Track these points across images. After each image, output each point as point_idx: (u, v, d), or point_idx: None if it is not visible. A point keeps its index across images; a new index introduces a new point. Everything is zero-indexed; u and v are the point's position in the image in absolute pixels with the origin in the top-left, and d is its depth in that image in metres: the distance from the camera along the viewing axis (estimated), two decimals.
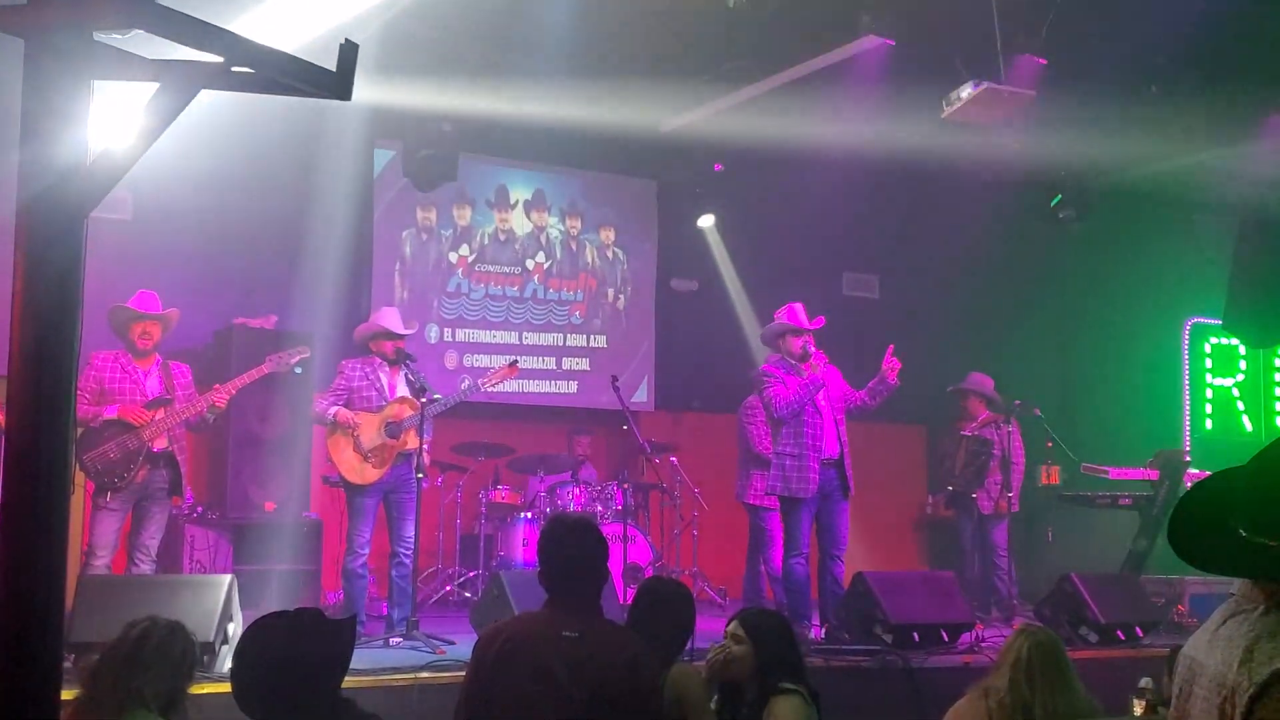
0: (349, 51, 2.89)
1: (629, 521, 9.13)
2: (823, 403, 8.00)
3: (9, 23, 2.79)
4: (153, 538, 7.20)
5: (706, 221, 11.40)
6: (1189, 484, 9.80)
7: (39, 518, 2.73)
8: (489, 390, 8.24)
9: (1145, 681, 4.80)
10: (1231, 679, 2.27)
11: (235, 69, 2.85)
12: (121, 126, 2.90)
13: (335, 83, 2.89)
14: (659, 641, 4.48)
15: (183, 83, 2.89)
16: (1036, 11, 8.14)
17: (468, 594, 9.54)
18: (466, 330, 11.13)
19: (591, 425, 11.18)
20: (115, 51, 2.92)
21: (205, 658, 5.71)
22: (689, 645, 4.97)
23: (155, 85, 2.91)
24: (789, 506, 8.03)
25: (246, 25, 6.21)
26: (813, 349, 8.01)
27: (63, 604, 2.79)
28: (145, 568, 7.12)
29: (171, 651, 3.86)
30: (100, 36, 2.87)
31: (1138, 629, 8.02)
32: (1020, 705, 4.19)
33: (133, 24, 2.76)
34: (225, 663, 5.80)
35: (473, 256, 11.17)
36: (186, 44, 2.80)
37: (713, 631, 7.63)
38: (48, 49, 2.79)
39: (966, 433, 9.91)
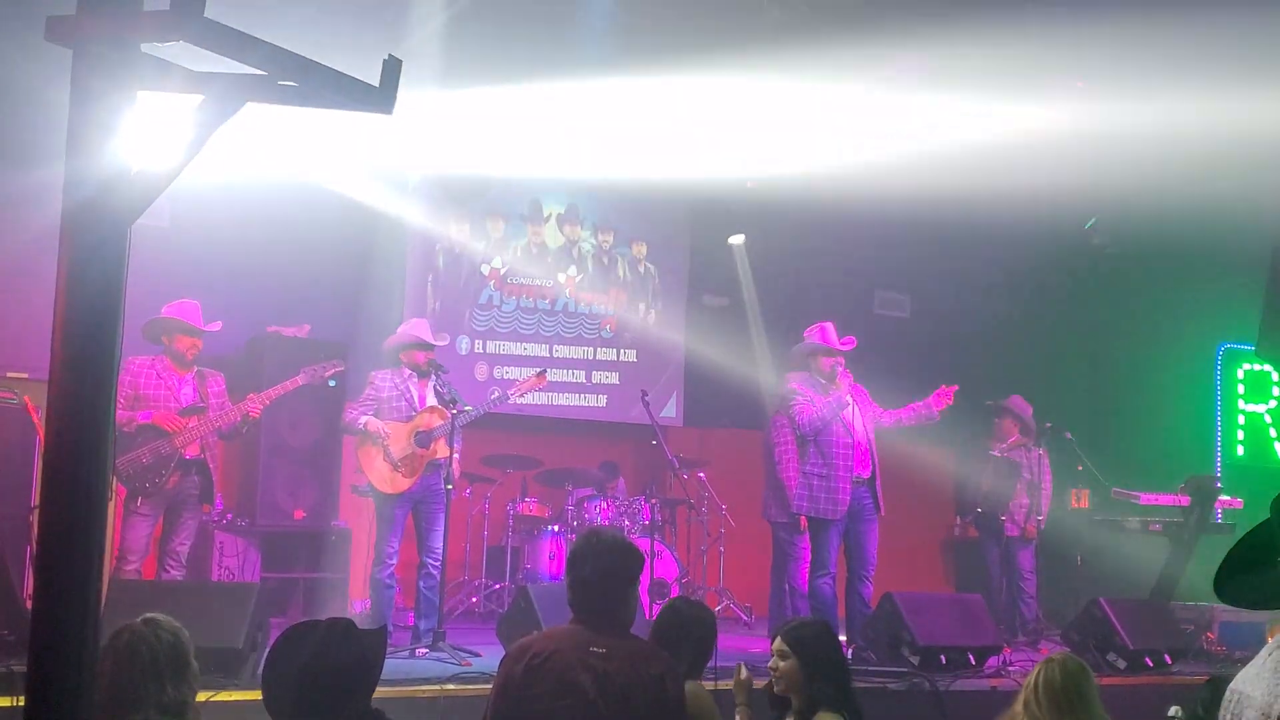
0: (392, 66, 2.91)
1: (656, 537, 9.12)
2: (853, 422, 7.98)
3: (56, 33, 2.82)
4: (183, 544, 7.24)
5: (738, 239, 11.36)
6: (1219, 509, 9.77)
7: (77, 523, 2.75)
8: (517, 400, 8.25)
9: (1175, 710, 4.74)
10: (1277, 708, 2.27)
11: (279, 82, 2.87)
12: (165, 137, 2.92)
13: (378, 97, 2.91)
14: (680, 662, 4.48)
15: (226, 95, 2.92)
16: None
17: (494, 606, 9.55)
18: (497, 342, 11.15)
19: (620, 439, 11.17)
20: (160, 63, 2.95)
21: (234, 664, 5.74)
22: (710, 666, 4.95)
23: (199, 97, 2.94)
24: (817, 527, 8.00)
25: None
26: (841, 369, 8.01)
27: (99, 607, 2.81)
28: (175, 573, 7.16)
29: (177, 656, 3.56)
30: (146, 48, 2.90)
31: (1166, 656, 7.94)
32: None
33: (178, 36, 2.78)
34: (255, 670, 5.82)
35: (505, 269, 11.20)
36: (231, 57, 2.82)
37: (737, 649, 7.65)
38: (94, 59, 2.82)
39: (995, 453, 9.84)
